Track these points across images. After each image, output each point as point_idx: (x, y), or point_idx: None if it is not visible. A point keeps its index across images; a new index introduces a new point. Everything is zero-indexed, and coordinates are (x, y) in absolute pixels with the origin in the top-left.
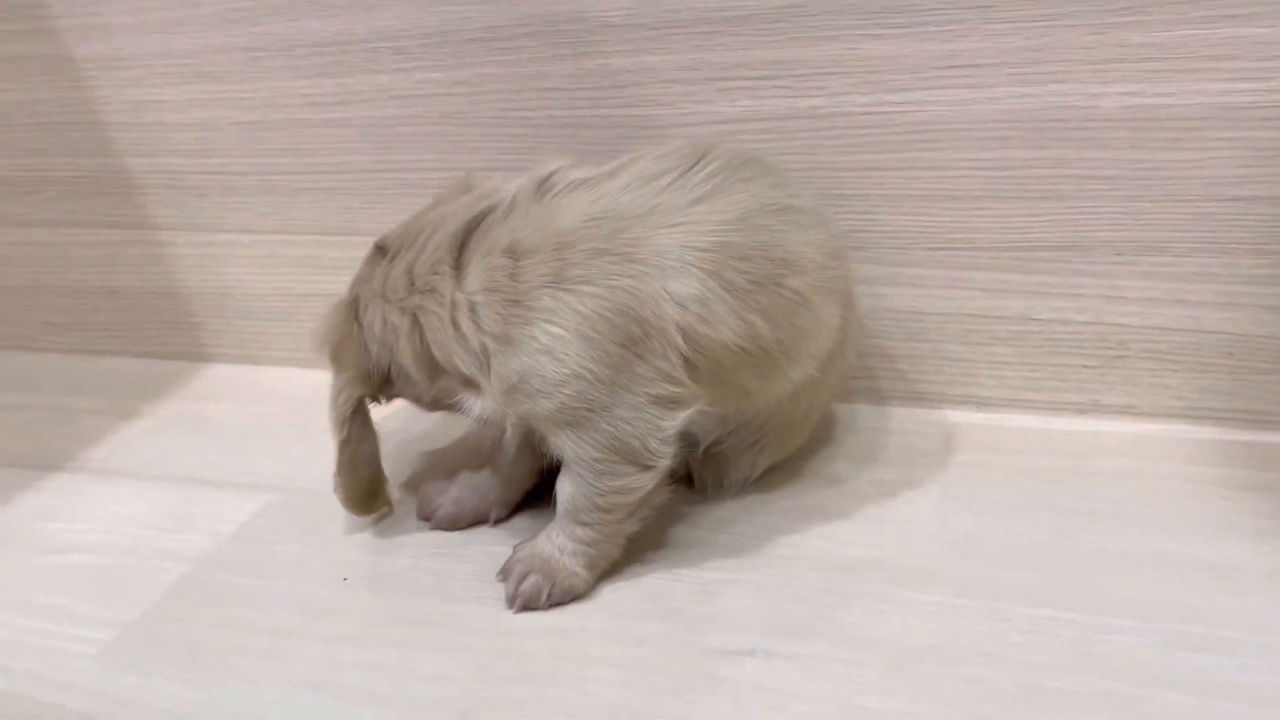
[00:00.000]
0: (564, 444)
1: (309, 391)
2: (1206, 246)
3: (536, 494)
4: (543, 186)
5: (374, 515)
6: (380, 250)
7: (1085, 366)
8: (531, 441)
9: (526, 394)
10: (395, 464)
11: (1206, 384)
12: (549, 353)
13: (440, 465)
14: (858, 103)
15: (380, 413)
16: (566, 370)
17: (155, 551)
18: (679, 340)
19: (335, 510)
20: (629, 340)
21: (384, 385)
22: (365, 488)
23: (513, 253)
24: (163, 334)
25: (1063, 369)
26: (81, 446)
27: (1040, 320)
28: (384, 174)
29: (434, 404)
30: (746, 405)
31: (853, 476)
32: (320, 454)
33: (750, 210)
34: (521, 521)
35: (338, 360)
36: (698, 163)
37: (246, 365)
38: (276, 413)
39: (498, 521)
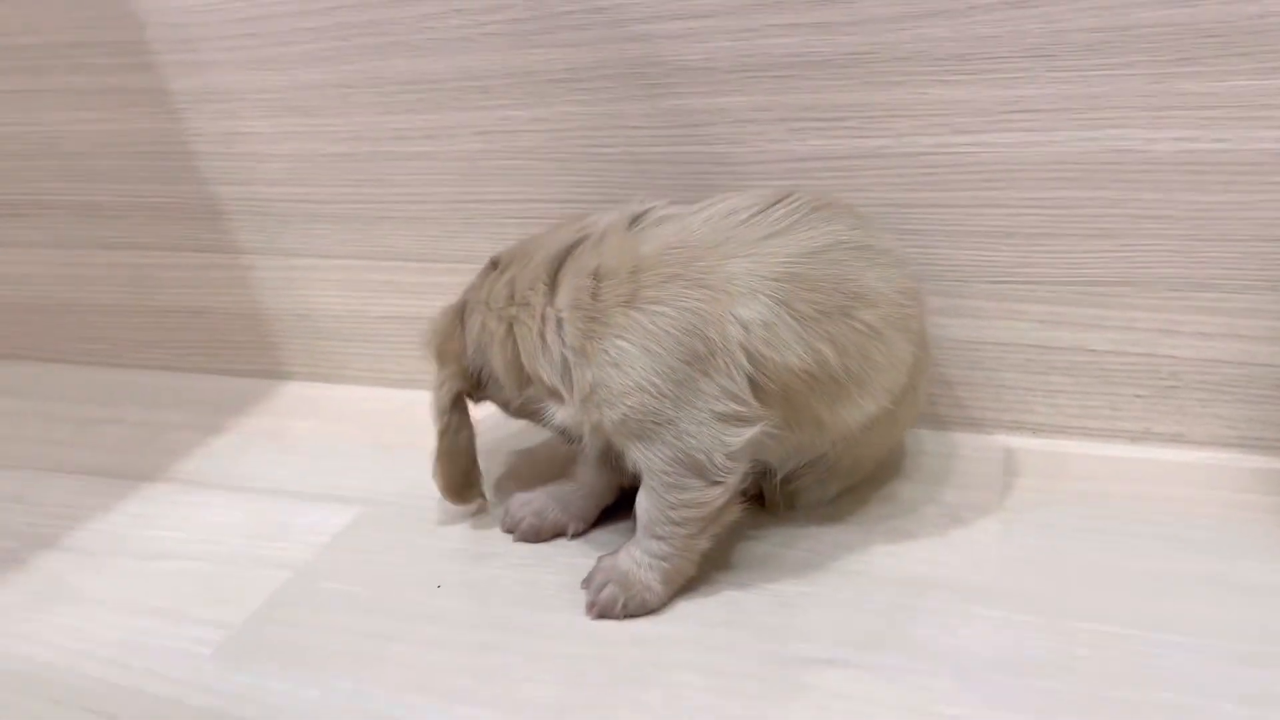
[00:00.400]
0: (636, 456)
1: (385, 409)
2: (1257, 284)
3: (614, 511)
4: (635, 221)
5: (469, 505)
6: (493, 264)
7: (1138, 396)
8: (610, 458)
9: (596, 403)
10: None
11: (1257, 415)
12: (616, 365)
13: (525, 474)
14: (923, 144)
15: (477, 412)
16: (630, 382)
17: (255, 560)
18: (743, 360)
19: (423, 523)
20: (694, 357)
21: (476, 387)
22: (461, 478)
23: (596, 275)
24: (244, 353)
25: (1116, 398)
26: (171, 459)
27: (1095, 351)
28: (464, 204)
29: (520, 411)
30: (821, 437)
31: (916, 498)
32: (401, 469)
33: (824, 246)
34: (600, 536)
35: (441, 356)
36: (777, 203)
37: (323, 383)
38: (354, 429)
39: (575, 535)
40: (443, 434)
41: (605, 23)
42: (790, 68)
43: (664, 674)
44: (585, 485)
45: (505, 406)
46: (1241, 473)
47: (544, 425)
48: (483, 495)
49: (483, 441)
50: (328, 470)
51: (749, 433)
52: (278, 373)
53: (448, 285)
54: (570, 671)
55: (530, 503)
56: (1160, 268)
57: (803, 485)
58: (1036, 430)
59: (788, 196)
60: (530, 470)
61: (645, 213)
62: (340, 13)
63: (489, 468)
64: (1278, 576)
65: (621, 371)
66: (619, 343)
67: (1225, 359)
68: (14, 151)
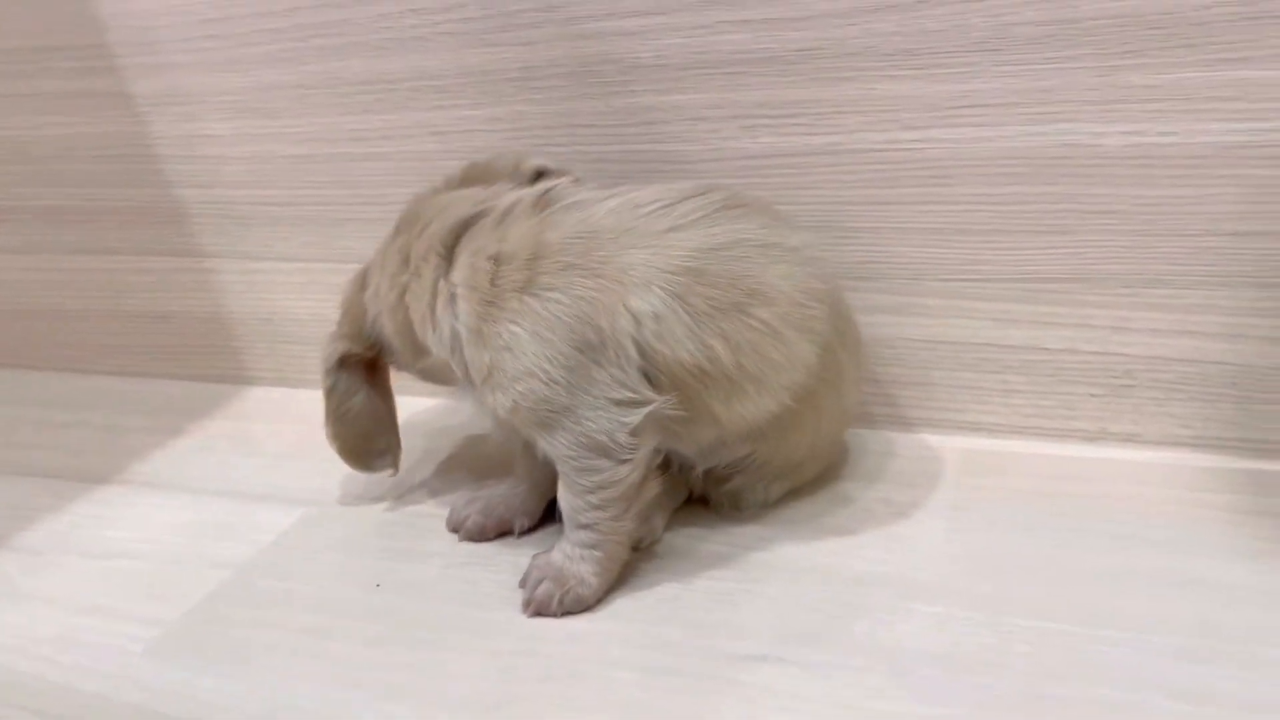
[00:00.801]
0: (541, 444)
1: None
2: (1209, 280)
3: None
4: (540, 202)
5: (374, 473)
6: (396, 229)
7: (1093, 395)
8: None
9: (491, 387)
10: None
11: (1211, 413)
12: (509, 349)
13: (473, 463)
14: (873, 140)
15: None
16: (521, 367)
17: (199, 558)
18: (633, 352)
19: (368, 523)
20: (585, 345)
21: (378, 351)
22: (359, 441)
23: (496, 259)
24: (208, 357)
25: (1071, 397)
26: (130, 461)
27: (1049, 350)
28: None
29: (426, 376)
30: (720, 431)
31: (863, 496)
32: (354, 472)
33: (726, 243)
34: (548, 532)
35: (342, 318)
36: (690, 198)
37: (286, 388)
38: (316, 432)
39: (523, 532)
40: (329, 393)
41: (558, 20)
42: (741, 64)
43: (597, 670)
44: (526, 480)
45: (408, 370)
46: (1197, 471)
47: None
48: (393, 466)
49: (431, 420)
50: (281, 472)
51: (644, 410)
52: (242, 377)
53: None
54: (503, 668)
55: (475, 501)
56: (1111, 264)
57: (742, 486)
58: (992, 430)
59: (703, 193)
60: (478, 459)
61: (549, 192)
62: (299, 14)
63: (440, 448)
64: (1225, 573)
65: (514, 356)
66: (512, 328)
67: (1178, 357)
68: None
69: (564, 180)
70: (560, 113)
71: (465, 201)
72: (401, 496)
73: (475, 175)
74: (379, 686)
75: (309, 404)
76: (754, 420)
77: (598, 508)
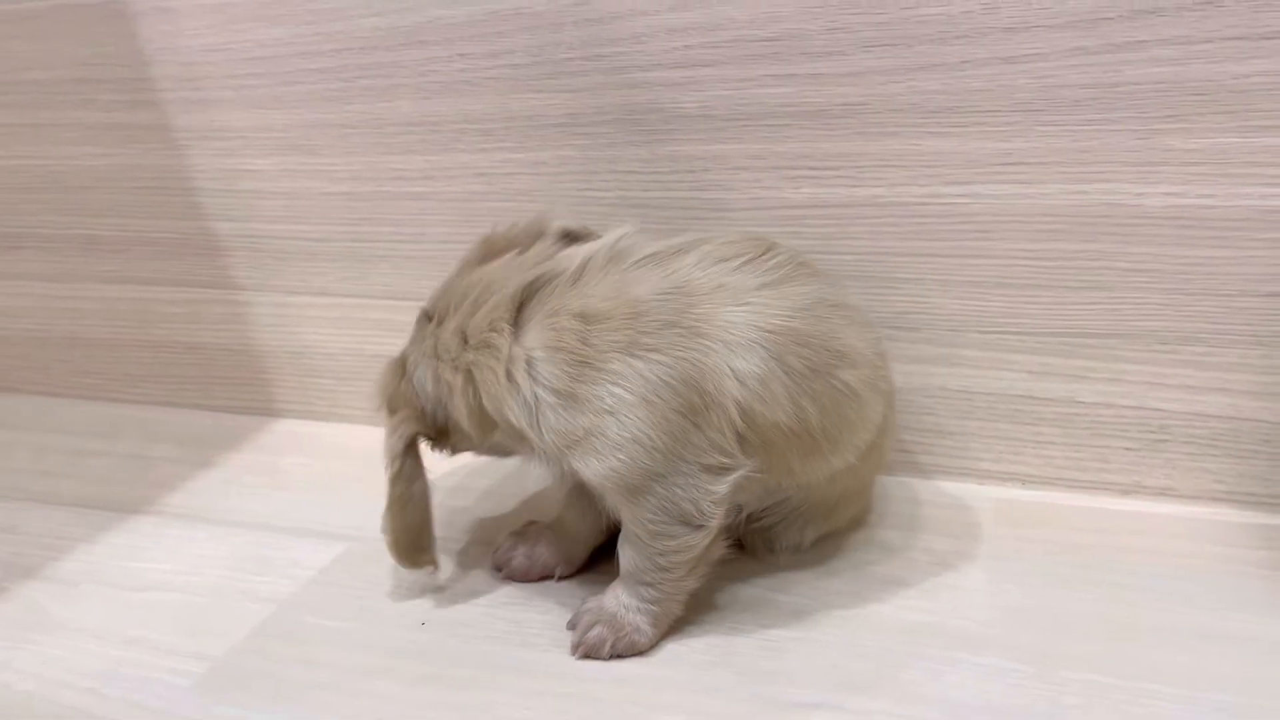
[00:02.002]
0: (620, 507)
1: (376, 448)
2: (1244, 339)
3: (601, 552)
4: (613, 253)
5: (419, 570)
6: (426, 316)
7: (1127, 449)
8: (594, 501)
9: (585, 452)
10: (463, 518)
11: (1244, 469)
12: (613, 414)
13: (512, 520)
14: (915, 194)
15: (439, 468)
16: (627, 434)
17: (239, 592)
18: (735, 416)
19: None
20: (689, 410)
21: (441, 436)
22: (414, 535)
23: (584, 317)
24: (237, 389)
25: (1105, 450)
26: (160, 492)
27: (1085, 403)
28: (460, 245)
29: (492, 451)
30: (788, 481)
31: (906, 545)
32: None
33: (813, 301)
34: (588, 579)
35: (391, 405)
36: (765, 254)
37: (315, 421)
38: (345, 467)
39: (562, 578)
40: (395, 479)
41: (604, 69)
42: (785, 117)
43: (650, 715)
44: (571, 530)
45: (475, 450)
46: (1229, 527)
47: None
48: (434, 562)
49: (468, 458)
50: (315, 506)
51: (732, 478)
52: (270, 410)
53: None
54: (556, 709)
55: (520, 544)
56: (1149, 320)
57: (778, 528)
58: (1026, 481)
59: (771, 249)
60: (518, 497)
61: (619, 241)
62: (345, 55)
63: (478, 486)
64: (1264, 629)
65: (619, 421)
66: (616, 390)
67: (1213, 413)
68: (16, 184)
69: (628, 230)
70: (604, 158)
71: (519, 268)
72: (439, 534)
73: (498, 246)
74: None
75: (337, 438)
76: (822, 476)
77: (664, 569)
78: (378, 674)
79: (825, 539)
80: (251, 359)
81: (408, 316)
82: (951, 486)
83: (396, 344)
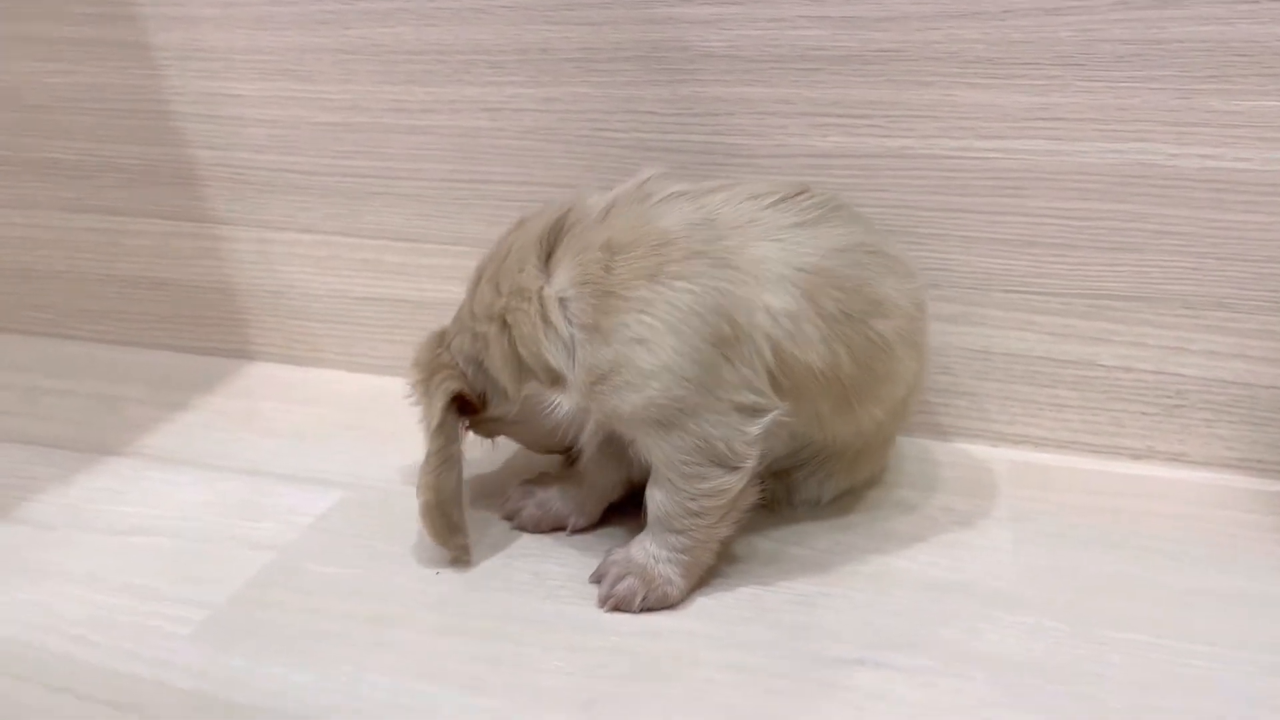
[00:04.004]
0: (651, 446)
1: (361, 394)
2: (1269, 305)
3: (617, 509)
4: (641, 192)
5: (447, 549)
6: (474, 281)
7: (1144, 414)
8: (618, 453)
9: (615, 386)
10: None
11: (1258, 437)
12: (642, 342)
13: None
14: (947, 146)
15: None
16: (657, 362)
17: (233, 539)
18: (767, 352)
19: (413, 511)
20: (719, 340)
21: (479, 406)
22: (448, 501)
23: (608, 247)
24: (209, 329)
25: (1122, 415)
26: (132, 434)
27: (1103, 366)
28: (463, 184)
29: (526, 429)
30: (816, 431)
31: (924, 504)
32: (385, 455)
33: (848, 245)
34: (602, 533)
35: (431, 370)
36: (799, 194)
37: (295, 366)
38: (332, 413)
39: (575, 531)
40: (435, 434)
41: (627, 3)
42: (817, 61)
43: (687, 669)
44: (590, 480)
45: (509, 427)
46: (1243, 494)
47: (552, 443)
48: (465, 548)
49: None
50: (305, 452)
51: (766, 419)
52: (245, 352)
53: (435, 268)
54: (590, 664)
55: (532, 492)
56: (1175, 284)
57: (796, 481)
58: (1039, 444)
59: (806, 190)
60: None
61: (647, 182)
62: None
63: (486, 457)
64: None
65: (648, 350)
66: (643, 317)
67: (1232, 379)
68: None
69: (655, 172)
70: (622, 98)
71: (543, 214)
72: None
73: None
74: (462, 679)
75: (320, 384)
76: (849, 430)
77: (696, 514)
78: (393, 624)
79: (842, 496)
80: (227, 298)
81: (400, 258)
82: (965, 447)
83: (387, 286)
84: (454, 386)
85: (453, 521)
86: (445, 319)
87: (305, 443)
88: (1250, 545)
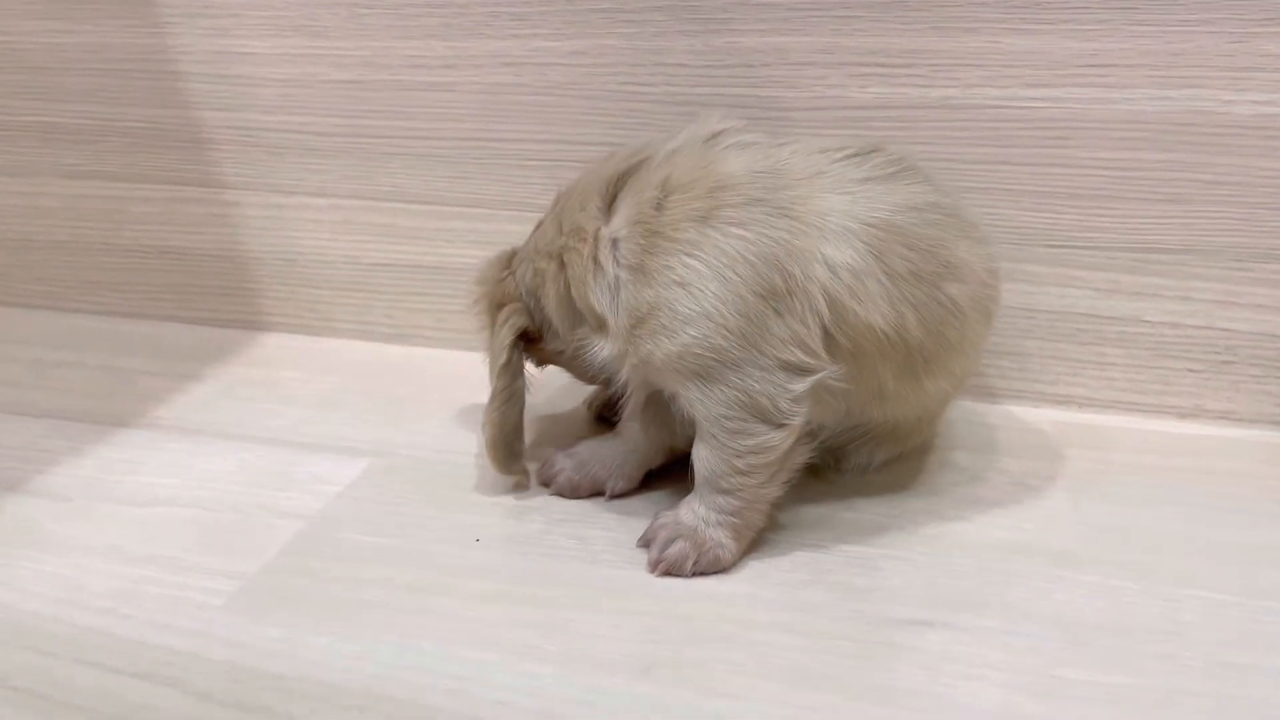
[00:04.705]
0: (692, 398)
1: (377, 363)
2: None
3: (658, 475)
4: (711, 136)
5: (510, 475)
6: (539, 225)
7: (1191, 371)
8: (661, 415)
9: (651, 330)
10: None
11: None
12: (684, 285)
13: (563, 439)
14: (991, 96)
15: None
16: (697, 307)
17: (260, 508)
18: (823, 307)
19: (446, 476)
20: (770, 292)
21: (537, 339)
22: (511, 434)
23: (664, 186)
24: (219, 300)
25: (1168, 372)
26: (146, 405)
27: (1150, 323)
28: (485, 143)
29: (579, 363)
30: (876, 409)
31: (974, 465)
32: (410, 422)
33: (924, 204)
34: (645, 496)
35: (498, 302)
36: (873, 151)
37: (307, 335)
38: (349, 381)
39: (614, 496)
40: (502, 371)
41: None
42: (856, 8)
43: (747, 633)
44: (631, 442)
45: (565, 360)
46: None
47: (595, 377)
48: (525, 471)
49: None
50: (326, 421)
51: (814, 378)
52: (256, 323)
53: (454, 231)
54: (642, 628)
55: (573, 455)
56: (1225, 236)
57: (848, 446)
58: (1083, 404)
59: (879, 148)
60: (553, 416)
61: (722, 133)
62: None
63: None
64: None
65: (689, 294)
66: (688, 260)
67: None
68: None
69: (733, 124)
70: (651, 49)
71: (618, 157)
72: (471, 450)
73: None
74: (513, 646)
75: (334, 353)
76: (916, 401)
77: (743, 473)
78: (435, 592)
79: (890, 461)
80: (237, 266)
81: (417, 221)
82: (1010, 408)
83: (403, 251)
84: (520, 323)
85: (514, 451)
86: (464, 285)
87: (326, 411)
88: None
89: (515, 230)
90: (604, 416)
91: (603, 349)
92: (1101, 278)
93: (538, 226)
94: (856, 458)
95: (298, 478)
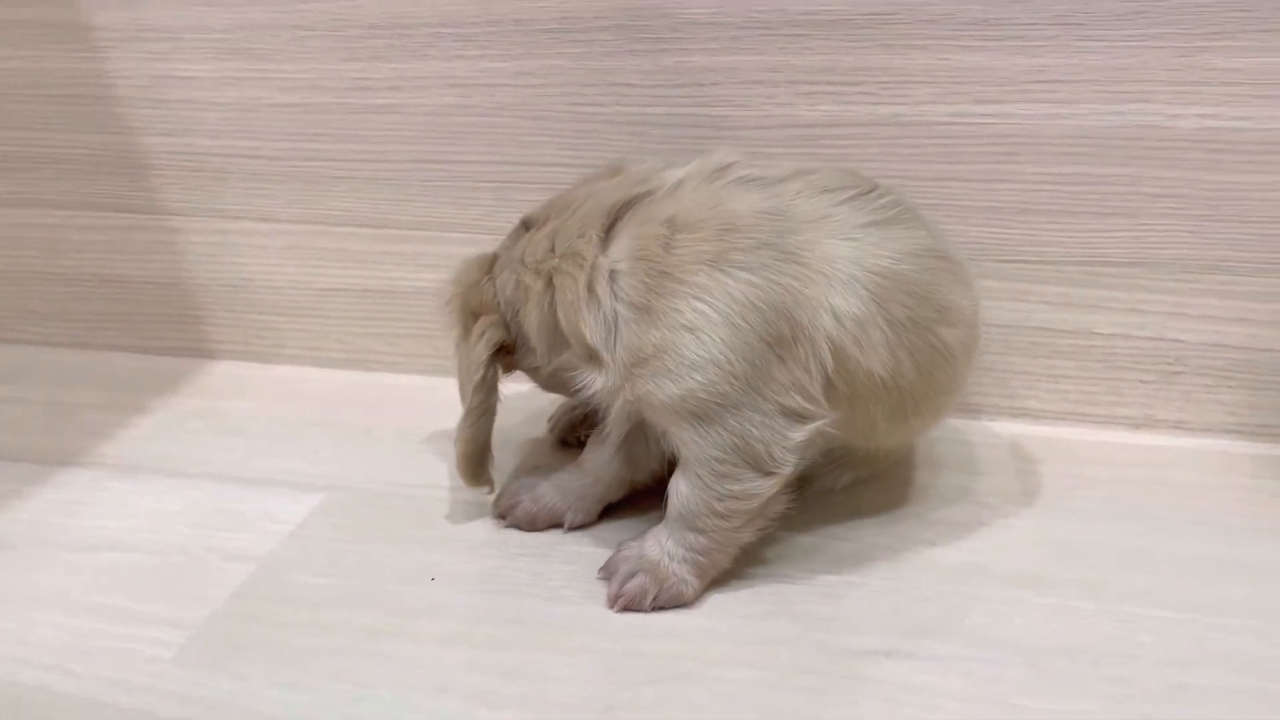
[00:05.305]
0: (685, 438)
1: (329, 391)
2: (1269, 267)
3: (616, 508)
4: (715, 173)
5: (478, 488)
6: (525, 225)
7: (1142, 381)
8: (634, 445)
9: (655, 372)
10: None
11: (1258, 401)
12: (692, 330)
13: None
14: (941, 113)
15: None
16: (705, 353)
17: (210, 550)
18: (827, 355)
19: (399, 511)
20: (776, 339)
21: (513, 350)
22: (483, 449)
23: (672, 224)
24: (164, 328)
25: (1120, 384)
26: (91, 441)
27: (1102, 335)
28: (430, 164)
29: (551, 380)
30: (863, 442)
31: (933, 483)
32: (364, 453)
33: (922, 249)
34: (598, 529)
35: (473, 308)
36: (873, 190)
37: (257, 363)
38: (300, 411)
39: (572, 528)
40: (478, 387)
41: None
42: (805, 26)
43: (709, 669)
44: (592, 475)
45: (535, 374)
46: (1244, 459)
47: (575, 397)
48: (491, 481)
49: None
50: (276, 454)
51: (812, 427)
52: (203, 351)
53: (404, 254)
54: (602, 668)
55: (530, 486)
56: (1173, 248)
57: (814, 472)
58: (1037, 417)
59: (878, 187)
60: (511, 443)
61: (727, 168)
62: None
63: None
64: None
65: (697, 339)
66: (697, 304)
67: (1232, 344)
68: None
69: (738, 159)
70: (600, 69)
71: (621, 184)
72: (426, 482)
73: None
74: (471, 691)
75: (284, 380)
76: (903, 438)
77: (721, 516)
78: (391, 635)
79: (855, 482)
80: (183, 294)
81: (366, 245)
82: (962, 423)
83: (353, 275)
84: (498, 337)
85: (484, 464)
86: (416, 308)
87: (277, 444)
88: (1261, 511)
89: (466, 252)
90: (567, 440)
91: (595, 382)
92: (1053, 291)
93: (519, 234)
94: (823, 481)
95: (248, 516)
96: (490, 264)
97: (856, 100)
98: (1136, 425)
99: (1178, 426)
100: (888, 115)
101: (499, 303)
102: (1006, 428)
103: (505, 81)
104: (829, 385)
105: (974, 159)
